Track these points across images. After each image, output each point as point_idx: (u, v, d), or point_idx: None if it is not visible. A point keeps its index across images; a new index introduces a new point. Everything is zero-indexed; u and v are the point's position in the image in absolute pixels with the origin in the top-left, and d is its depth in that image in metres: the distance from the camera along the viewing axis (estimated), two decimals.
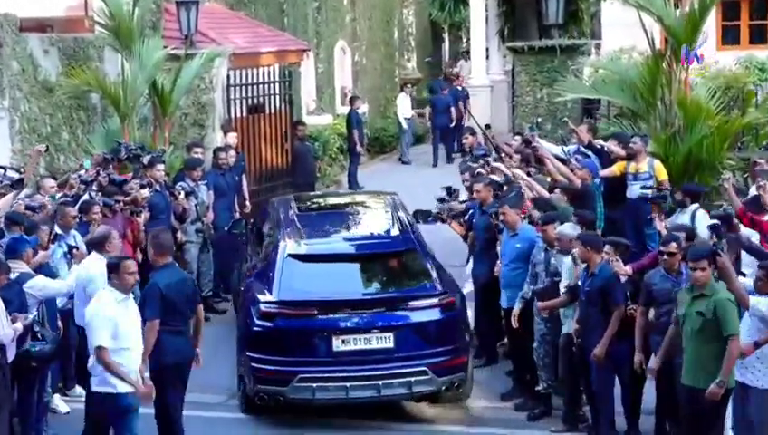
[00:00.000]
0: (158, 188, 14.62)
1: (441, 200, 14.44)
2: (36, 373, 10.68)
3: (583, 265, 10.83)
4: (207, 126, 18.29)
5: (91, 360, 9.51)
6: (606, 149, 14.98)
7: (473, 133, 17.14)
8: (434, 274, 11.86)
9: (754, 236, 11.40)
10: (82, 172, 14.28)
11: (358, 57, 28.96)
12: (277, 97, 19.57)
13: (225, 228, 15.89)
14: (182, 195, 14.93)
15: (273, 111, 19.47)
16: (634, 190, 14.40)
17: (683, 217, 12.66)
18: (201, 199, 15.53)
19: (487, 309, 13.11)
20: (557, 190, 13.20)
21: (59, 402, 11.94)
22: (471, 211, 13.83)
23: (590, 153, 14.83)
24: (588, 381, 10.95)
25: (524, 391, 12.11)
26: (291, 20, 24.53)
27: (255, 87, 18.98)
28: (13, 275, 10.43)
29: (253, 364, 11.41)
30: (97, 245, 11.26)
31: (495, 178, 13.92)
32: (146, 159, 14.93)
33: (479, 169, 14.39)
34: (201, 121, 18.30)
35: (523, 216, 12.44)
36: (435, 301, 11.58)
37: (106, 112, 17.43)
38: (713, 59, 19.97)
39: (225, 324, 14.08)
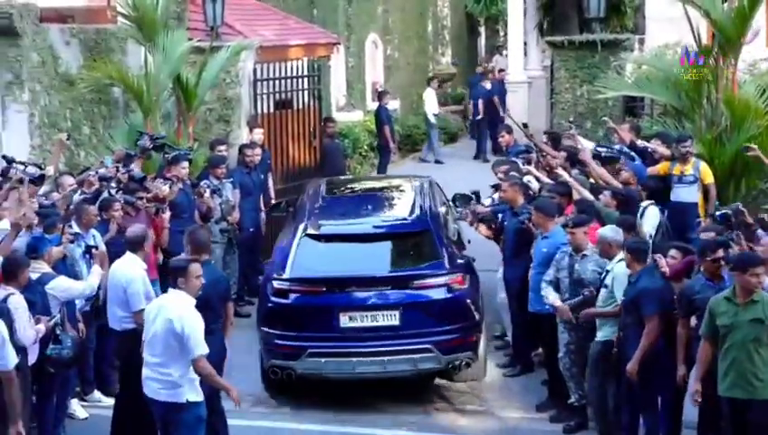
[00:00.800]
0: (181, 186, 14.15)
1: (463, 202, 13.92)
2: (54, 378, 10.47)
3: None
4: (233, 122, 17.82)
5: (179, 369, 9.18)
6: (650, 149, 14.43)
7: (509, 132, 16.62)
8: (443, 254, 12.21)
9: None
10: (102, 169, 13.82)
11: (390, 51, 28.48)
12: (306, 92, 19.10)
13: (251, 229, 15.74)
14: (207, 193, 14.49)
15: (301, 106, 19.02)
16: (678, 193, 13.89)
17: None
18: (226, 198, 15.13)
19: (521, 316, 12.59)
20: (605, 193, 12.59)
21: (76, 407, 11.75)
22: (502, 214, 13.30)
23: (634, 154, 14.23)
24: (618, 391, 10.57)
25: (558, 403, 11.70)
26: (320, 12, 24.08)
27: (283, 82, 18.52)
28: (34, 276, 10.23)
29: (266, 339, 12.11)
30: (134, 244, 10.85)
31: (529, 180, 13.41)
32: (170, 156, 14.52)
33: (509, 169, 13.83)
34: (226, 117, 17.82)
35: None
36: (441, 280, 11.95)
37: (128, 107, 17.02)
38: (763, 55, 19.34)
39: (251, 329, 13.63)
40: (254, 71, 17.93)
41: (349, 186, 15.75)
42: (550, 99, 22.22)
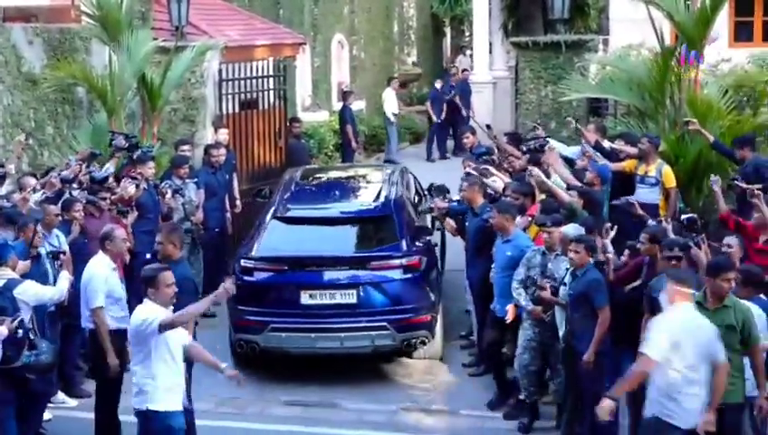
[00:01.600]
0: (145, 186, 14.07)
1: (438, 193, 13.97)
2: (35, 383, 10.31)
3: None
4: (198, 122, 17.72)
5: (143, 373, 8.99)
6: (615, 149, 14.44)
7: (473, 132, 16.61)
8: (401, 238, 12.87)
9: None
10: (65, 171, 13.73)
11: (356, 51, 28.44)
12: (271, 92, 19.05)
13: (216, 229, 15.71)
14: (169, 194, 14.42)
15: (266, 106, 18.95)
16: (640, 193, 13.87)
17: None
18: (189, 198, 15.08)
19: (485, 316, 12.54)
20: (572, 193, 12.64)
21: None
22: (464, 213, 13.33)
23: (598, 156, 14.28)
24: (569, 385, 10.73)
25: (509, 400, 11.88)
26: (286, 12, 24.03)
27: (248, 82, 18.44)
28: (0, 283, 10.11)
29: (233, 314, 12.85)
30: (100, 242, 10.86)
31: (494, 180, 13.40)
32: (136, 155, 14.50)
33: (468, 170, 13.86)
34: (191, 117, 17.74)
35: (530, 218, 12.08)
36: (397, 262, 12.58)
37: (92, 107, 16.85)
38: (725, 56, 19.47)
39: (213, 329, 13.65)
40: (220, 71, 17.83)
41: (322, 174, 16.25)
42: (515, 99, 22.26)
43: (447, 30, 37.54)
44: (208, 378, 10.76)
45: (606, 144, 14.66)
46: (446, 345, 13.60)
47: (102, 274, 10.63)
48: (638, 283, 10.58)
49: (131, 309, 9.80)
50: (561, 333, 10.89)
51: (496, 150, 15.29)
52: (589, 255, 10.51)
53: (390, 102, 26.74)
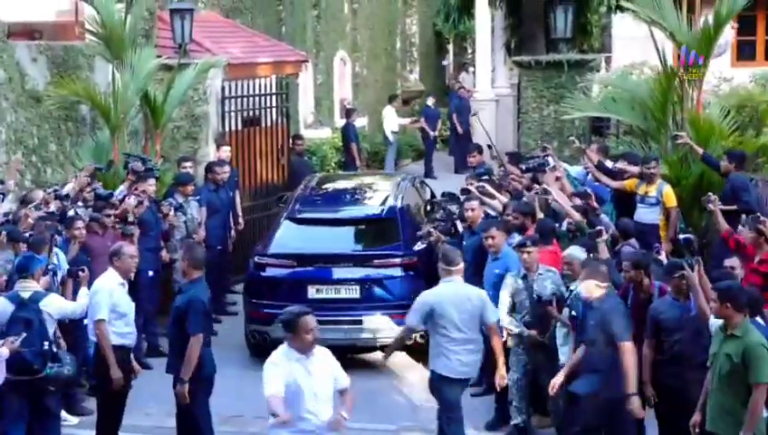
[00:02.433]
0: (148, 203, 14.09)
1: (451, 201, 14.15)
2: (54, 397, 10.39)
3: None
4: (201, 139, 17.74)
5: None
6: (617, 169, 14.45)
7: (480, 151, 16.63)
8: (403, 239, 13.85)
9: None
10: (67, 186, 13.77)
11: (358, 68, 28.45)
12: (274, 110, 19.06)
13: (219, 247, 15.75)
14: (171, 212, 14.43)
15: (269, 124, 18.95)
16: (640, 213, 13.94)
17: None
18: (191, 216, 15.07)
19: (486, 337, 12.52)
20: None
21: None
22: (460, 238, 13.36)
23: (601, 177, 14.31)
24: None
25: (508, 421, 11.70)
26: (289, 29, 24.04)
27: (251, 99, 18.44)
28: (26, 294, 10.22)
29: (248, 306, 14.06)
30: (110, 258, 10.88)
31: (491, 201, 13.44)
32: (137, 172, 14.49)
33: (469, 187, 13.91)
34: (194, 134, 17.75)
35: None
36: (397, 260, 13.61)
37: (95, 124, 16.87)
38: (727, 76, 19.50)
39: (216, 347, 13.59)
40: (222, 88, 17.85)
41: (337, 180, 17.28)
42: (517, 118, 22.28)
43: (450, 47, 37.56)
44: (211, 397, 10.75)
45: (608, 164, 14.67)
46: None
47: (108, 287, 10.63)
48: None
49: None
50: (564, 354, 10.77)
51: (496, 169, 15.30)
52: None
53: (390, 120, 26.76)
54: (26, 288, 10.31)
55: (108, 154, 15.71)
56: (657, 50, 15.71)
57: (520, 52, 21.91)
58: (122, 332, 10.69)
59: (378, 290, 13.54)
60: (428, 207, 15.17)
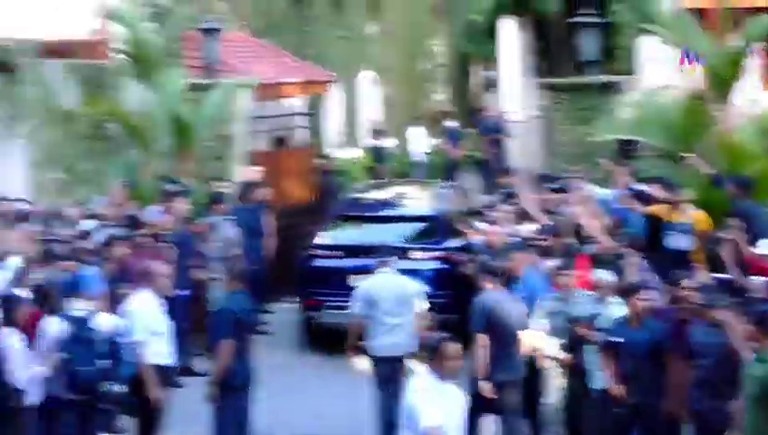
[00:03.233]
0: (180, 223, 14.13)
1: None
2: (105, 415, 10.51)
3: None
4: (230, 159, 17.79)
5: None
6: (648, 193, 14.40)
7: (510, 173, 16.66)
8: (441, 236, 15.01)
9: None
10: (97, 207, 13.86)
11: (385, 89, 28.47)
12: (302, 130, 19.09)
13: (254, 267, 15.56)
14: (208, 230, 14.45)
15: (297, 144, 18.97)
16: (670, 239, 13.80)
17: None
18: (226, 235, 15.02)
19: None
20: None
21: None
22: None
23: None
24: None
25: None
26: (316, 49, 24.09)
27: (280, 119, 18.48)
28: (79, 314, 10.32)
29: (302, 295, 15.25)
30: (140, 279, 11.00)
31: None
32: (171, 191, 14.60)
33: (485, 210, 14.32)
34: (223, 154, 17.81)
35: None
36: (434, 254, 14.70)
37: (125, 143, 16.93)
38: (756, 98, 19.42)
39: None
40: (251, 108, 17.94)
41: (385, 186, 18.50)
42: (545, 140, 22.27)
43: (476, 68, 37.57)
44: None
45: (638, 187, 14.62)
46: None
47: (145, 308, 10.72)
48: None
49: None
50: (599, 382, 10.70)
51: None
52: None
53: (414, 142, 26.73)
54: (78, 308, 10.38)
55: (138, 173, 15.76)
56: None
57: (547, 74, 21.91)
58: (158, 351, 10.76)
59: (416, 280, 13.29)
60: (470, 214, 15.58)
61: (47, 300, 10.52)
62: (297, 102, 19.14)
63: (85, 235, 12.87)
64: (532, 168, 20.61)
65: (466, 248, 14.22)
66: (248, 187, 16.13)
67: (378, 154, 23.77)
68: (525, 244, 12.61)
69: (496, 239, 13.01)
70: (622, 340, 10.35)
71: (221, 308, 10.90)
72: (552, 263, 11.90)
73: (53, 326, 10.24)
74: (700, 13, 19.44)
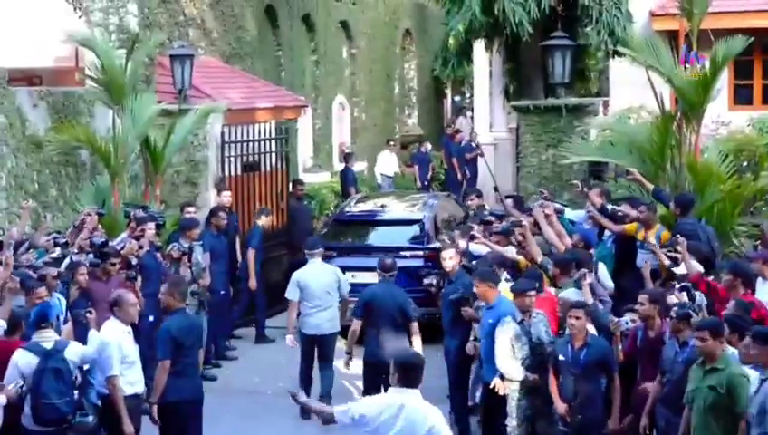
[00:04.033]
0: (148, 248, 14.06)
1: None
2: None
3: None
4: (200, 184, 17.81)
5: None
6: (619, 213, 14.46)
7: (479, 195, 16.72)
8: (426, 236, 16.69)
9: None
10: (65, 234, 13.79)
11: (357, 113, 28.52)
12: (273, 154, 19.09)
13: (222, 292, 15.82)
14: (178, 254, 14.36)
15: (268, 169, 18.97)
16: (642, 258, 13.84)
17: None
18: (196, 260, 14.98)
19: (461, 385, 12.72)
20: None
21: None
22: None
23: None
24: None
25: None
26: (288, 74, 24.12)
27: (251, 144, 18.47)
28: (48, 345, 10.16)
29: None
30: (111, 307, 10.81)
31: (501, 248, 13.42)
32: (138, 216, 14.44)
33: (447, 238, 14.31)
34: (194, 179, 17.83)
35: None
36: (420, 253, 16.39)
37: (95, 169, 16.92)
38: (724, 120, 19.59)
39: (215, 393, 13.57)
40: (222, 133, 17.90)
41: (377, 197, 19.99)
42: (516, 162, 22.35)
43: (448, 92, 37.69)
44: None
45: (609, 207, 14.69)
46: None
47: (116, 339, 10.53)
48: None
49: None
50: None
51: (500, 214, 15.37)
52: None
53: (382, 164, 26.82)
54: (46, 338, 10.23)
55: (108, 199, 15.72)
56: (655, 93, 15.77)
57: (518, 96, 22.02)
58: (133, 380, 10.68)
59: (405, 277, 14.81)
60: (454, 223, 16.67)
61: (14, 330, 10.42)
62: (269, 127, 19.07)
63: (56, 262, 12.77)
64: (502, 190, 20.74)
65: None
66: (221, 212, 16.06)
67: (345, 178, 23.81)
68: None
69: (451, 265, 12.93)
70: (562, 358, 10.57)
71: (161, 329, 10.93)
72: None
73: (23, 358, 10.10)
74: (670, 35, 19.65)
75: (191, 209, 15.93)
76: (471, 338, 12.30)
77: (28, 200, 14.82)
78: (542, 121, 19.50)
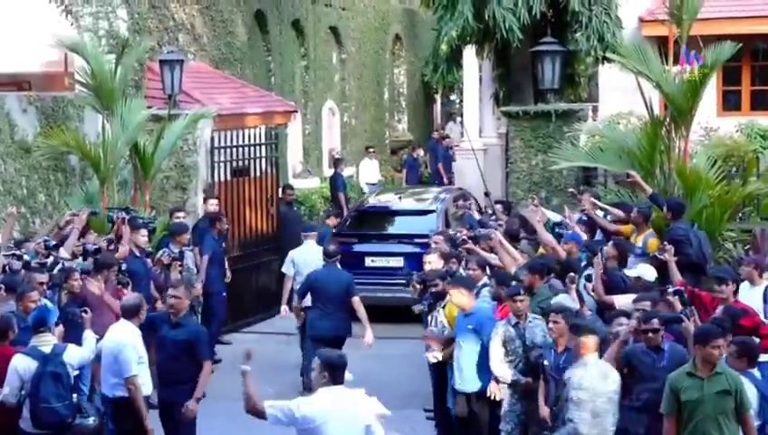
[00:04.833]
0: (138, 254, 14.03)
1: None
2: None
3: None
4: (190, 189, 17.80)
5: None
6: (609, 217, 14.51)
7: (466, 199, 16.73)
8: (436, 224, 17.72)
9: None
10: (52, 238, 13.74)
11: (347, 118, 28.52)
12: (263, 160, 19.09)
13: (223, 293, 16.09)
14: (168, 260, 14.33)
15: (258, 174, 18.96)
16: (630, 263, 13.84)
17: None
18: (187, 266, 14.96)
19: (442, 389, 12.61)
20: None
21: None
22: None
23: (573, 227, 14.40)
24: None
25: None
26: (278, 80, 24.12)
27: (240, 149, 18.46)
28: (47, 349, 10.19)
29: None
30: (129, 312, 10.86)
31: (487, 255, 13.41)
32: (129, 221, 14.35)
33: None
34: (183, 185, 17.81)
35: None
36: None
37: (85, 174, 16.88)
38: (713, 125, 19.62)
39: (213, 399, 13.57)
40: (212, 138, 17.89)
41: (393, 191, 22.24)
42: (505, 167, 22.37)
43: (438, 97, 37.71)
44: None
45: (599, 213, 14.72)
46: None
47: (132, 341, 10.63)
48: None
49: None
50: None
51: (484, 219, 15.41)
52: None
53: (364, 172, 26.83)
54: (45, 342, 10.27)
55: (97, 204, 15.68)
56: (644, 99, 15.80)
57: (508, 102, 22.05)
58: (143, 382, 10.76)
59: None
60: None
61: (4, 335, 10.42)
62: (259, 133, 19.06)
63: (42, 267, 12.72)
64: (493, 194, 20.81)
65: None
66: (208, 217, 16.05)
67: (335, 183, 23.81)
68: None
69: (427, 268, 13.19)
70: (546, 363, 10.60)
71: (203, 332, 11.32)
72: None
73: (22, 362, 10.14)
74: (660, 41, 19.67)
75: (180, 214, 15.95)
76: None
77: (13, 206, 14.80)
78: (532, 127, 19.55)
